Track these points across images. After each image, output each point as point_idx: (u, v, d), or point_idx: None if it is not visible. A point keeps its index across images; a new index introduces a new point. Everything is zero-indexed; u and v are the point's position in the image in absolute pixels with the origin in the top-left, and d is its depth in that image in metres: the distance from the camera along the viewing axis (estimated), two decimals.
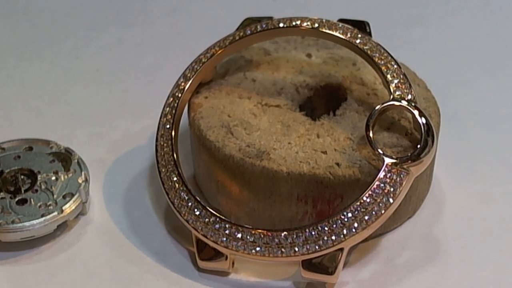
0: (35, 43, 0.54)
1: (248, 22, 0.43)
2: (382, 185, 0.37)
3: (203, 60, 0.42)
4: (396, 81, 0.39)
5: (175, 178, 0.39)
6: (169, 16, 0.57)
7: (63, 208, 0.40)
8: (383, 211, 0.36)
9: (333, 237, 0.36)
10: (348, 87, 0.42)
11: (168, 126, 0.41)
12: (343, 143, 0.39)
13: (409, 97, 0.38)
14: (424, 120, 0.37)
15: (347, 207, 0.37)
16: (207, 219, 0.38)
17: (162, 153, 0.40)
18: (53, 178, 0.41)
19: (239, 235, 0.37)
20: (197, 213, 0.38)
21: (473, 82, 0.50)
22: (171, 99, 0.41)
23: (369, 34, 0.41)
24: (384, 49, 0.40)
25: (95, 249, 0.40)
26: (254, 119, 0.41)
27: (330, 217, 0.37)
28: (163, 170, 0.39)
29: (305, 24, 0.41)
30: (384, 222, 0.37)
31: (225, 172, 0.40)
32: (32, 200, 0.40)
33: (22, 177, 0.42)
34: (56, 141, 0.43)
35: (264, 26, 0.41)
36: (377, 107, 0.38)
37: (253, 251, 0.37)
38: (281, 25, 0.41)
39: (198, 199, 0.38)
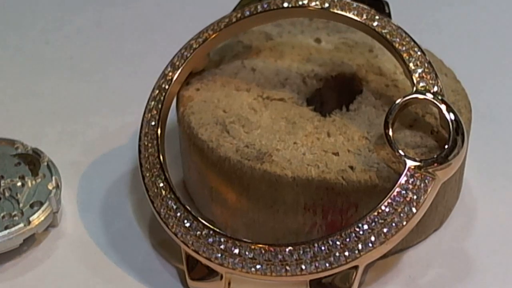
0: None
1: (247, 1, 0.42)
2: (404, 192, 0.37)
3: (194, 46, 0.42)
4: (420, 70, 0.39)
5: (161, 184, 0.39)
6: None
7: (31, 219, 0.40)
8: (404, 223, 0.36)
9: (346, 253, 0.36)
10: (363, 78, 0.42)
11: (153, 123, 0.40)
12: (357, 143, 0.39)
13: (435, 89, 0.38)
14: (452, 116, 0.37)
15: (362, 218, 0.37)
16: (198, 232, 0.38)
17: (146, 155, 0.40)
18: (19, 184, 0.41)
19: (236, 251, 0.37)
20: (187, 224, 0.38)
21: (510, 72, 0.50)
22: (157, 91, 0.41)
23: (388, 15, 0.41)
24: (405, 33, 0.40)
25: (68, 267, 0.40)
26: (254, 115, 0.41)
27: (343, 229, 0.37)
28: (148, 174, 0.39)
29: (313, 3, 0.41)
30: (406, 236, 0.37)
31: (220, 176, 0.40)
32: None
33: None
34: (22, 141, 0.43)
35: (265, 6, 0.41)
36: (397, 101, 0.38)
37: (253, 269, 0.37)
38: (285, 4, 0.41)
39: (189, 208, 0.38)
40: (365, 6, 0.40)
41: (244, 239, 0.37)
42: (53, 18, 0.55)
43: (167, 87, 0.41)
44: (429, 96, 0.38)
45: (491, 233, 0.41)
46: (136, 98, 0.44)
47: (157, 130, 0.40)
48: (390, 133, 0.38)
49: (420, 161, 0.37)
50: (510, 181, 0.44)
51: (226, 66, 0.43)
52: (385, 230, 0.36)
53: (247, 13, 0.42)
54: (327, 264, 0.36)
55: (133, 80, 0.50)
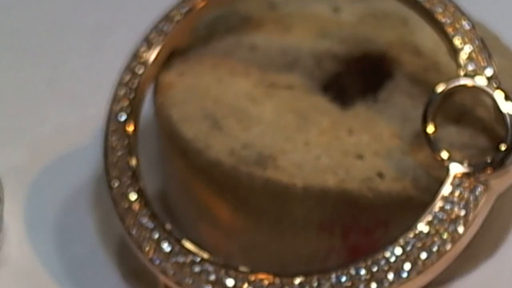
0: None
1: None
2: (448, 206, 0.37)
3: (176, 17, 0.42)
4: (468, 49, 0.39)
5: (133, 197, 0.40)
6: None
7: None
8: (448, 246, 0.37)
9: (373, 286, 0.37)
10: (395, 59, 0.43)
11: (123, 118, 0.41)
12: (388, 143, 0.39)
13: (489, 73, 0.39)
14: (511, 109, 0.38)
15: (394, 241, 0.37)
16: (182, 259, 0.38)
17: (114, 159, 0.40)
18: None
19: (231, 283, 0.38)
20: (167, 249, 0.38)
21: None
22: (128, 76, 0.42)
23: None
24: (450, 0, 0.40)
25: None
26: (253, 107, 0.41)
27: (369, 255, 0.37)
28: (116, 184, 0.40)
29: None
30: (451, 264, 0.37)
31: (210, 187, 0.40)
32: None
33: None
34: None
35: None
36: (439, 89, 0.38)
37: None
38: None
39: (169, 228, 0.39)
40: None
41: (241, 268, 0.38)
42: None
43: (141, 70, 0.42)
44: (481, 82, 0.38)
45: None
46: (100, 84, 0.45)
47: (128, 127, 0.41)
48: (431, 130, 0.38)
49: (469, 167, 0.37)
50: None
51: (218, 43, 0.44)
52: (423, 256, 0.37)
53: None
54: None
55: (96, 61, 0.50)
